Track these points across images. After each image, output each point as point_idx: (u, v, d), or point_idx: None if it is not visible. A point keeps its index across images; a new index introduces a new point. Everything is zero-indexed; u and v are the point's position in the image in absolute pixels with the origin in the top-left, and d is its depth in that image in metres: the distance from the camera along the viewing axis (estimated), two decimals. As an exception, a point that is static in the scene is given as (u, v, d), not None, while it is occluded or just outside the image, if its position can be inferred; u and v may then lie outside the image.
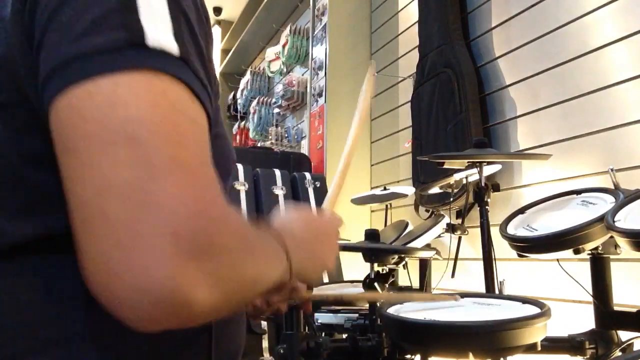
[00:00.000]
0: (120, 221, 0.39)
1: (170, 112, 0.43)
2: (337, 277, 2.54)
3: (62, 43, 0.44)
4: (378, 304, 1.24)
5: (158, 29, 0.45)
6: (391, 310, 1.02)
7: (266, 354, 2.20)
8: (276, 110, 4.11)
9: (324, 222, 0.69)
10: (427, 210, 2.35)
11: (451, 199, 1.97)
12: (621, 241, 1.00)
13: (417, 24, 2.56)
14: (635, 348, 1.17)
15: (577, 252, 1.13)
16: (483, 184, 1.48)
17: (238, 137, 4.85)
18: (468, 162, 1.52)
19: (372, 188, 2.96)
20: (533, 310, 0.95)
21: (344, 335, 1.38)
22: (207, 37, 0.53)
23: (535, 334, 0.89)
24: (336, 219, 0.73)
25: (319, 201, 2.68)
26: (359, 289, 1.70)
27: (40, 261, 0.50)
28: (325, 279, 2.53)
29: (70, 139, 0.42)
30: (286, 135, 3.91)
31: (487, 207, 1.49)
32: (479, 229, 1.49)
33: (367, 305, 1.40)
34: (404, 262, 1.44)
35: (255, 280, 0.50)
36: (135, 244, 0.38)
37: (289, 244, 0.57)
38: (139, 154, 0.40)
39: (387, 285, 1.36)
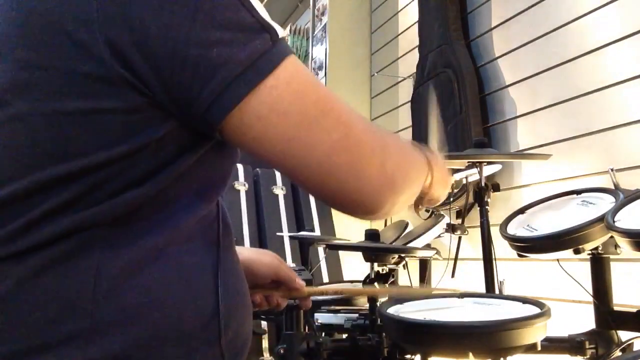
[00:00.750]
0: (349, 162, 0.57)
1: (317, 84, 0.58)
2: (337, 277, 2.54)
3: (228, 56, 0.51)
4: (378, 304, 1.24)
5: (268, 19, 0.55)
6: (391, 310, 1.01)
7: (266, 354, 2.20)
8: (276, 110, 4.10)
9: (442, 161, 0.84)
10: (427, 210, 2.35)
11: (451, 199, 1.97)
12: (621, 241, 1.00)
13: (417, 24, 2.56)
14: (635, 348, 1.17)
15: (577, 252, 1.13)
16: (483, 184, 1.48)
17: (238, 137, 4.85)
18: (468, 162, 1.52)
19: (372, 188, 2.95)
20: (533, 310, 0.95)
21: (344, 335, 1.38)
22: None
23: (535, 334, 0.89)
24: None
25: (319, 201, 2.68)
26: (357, 287, 1.70)
27: (51, 262, 0.51)
28: (326, 279, 2.54)
29: (288, 132, 0.54)
30: (286, 135, 3.90)
31: (487, 207, 1.49)
32: (479, 229, 1.49)
33: (367, 305, 1.40)
34: (404, 262, 1.44)
35: (417, 176, 0.69)
36: (370, 185, 0.59)
37: (430, 159, 0.74)
38: (332, 119, 0.57)
39: (387, 285, 1.36)
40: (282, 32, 0.56)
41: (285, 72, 0.54)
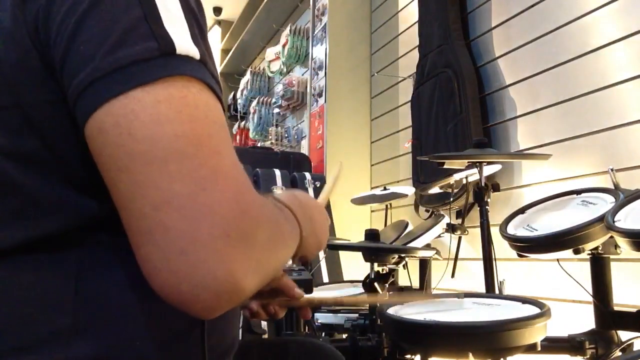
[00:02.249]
0: (180, 231, 0.44)
1: (206, 123, 0.47)
2: (337, 277, 2.54)
3: (96, 56, 0.45)
4: (378, 305, 1.24)
5: (180, 35, 0.47)
6: (391, 311, 1.02)
7: (266, 354, 2.19)
8: (276, 110, 4.11)
9: (316, 203, 0.73)
10: (427, 210, 2.35)
11: (451, 199, 1.97)
12: (621, 241, 1.00)
13: (417, 24, 2.56)
14: (635, 348, 1.17)
15: (577, 252, 1.13)
16: (483, 184, 1.49)
17: (238, 137, 4.85)
18: (468, 162, 1.52)
19: (372, 188, 2.96)
20: (533, 310, 0.95)
21: (344, 335, 1.38)
22: (206, 32, 0.55)
23: (535, 334, 0.89)
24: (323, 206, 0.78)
25: (319, 201, 2.68)
26: (359, 289, 1.70)
27: (32, 261, 0.51)
28: (326, 279, 2.54)
29: (121, 158, 0.45)
30: (286, 135, 3.91)
31: (487, 207, 1.49)
32: (479, 229, 1.49)
33: (367, 305, 1.40)
34: (404, 262, 1.44)
35: (281, 262, 0.58)
36: (197, 249, 0.44)
37: (300, 218, 0.62)
38: (188, 168, 0.45)
39: (387, 285, 1.36)
40: (192, 52, 0.48)
41: (160, 90, 0.45)
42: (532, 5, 1.99)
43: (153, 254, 0.45)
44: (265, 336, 2.20)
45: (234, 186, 0.47)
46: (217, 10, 5.46)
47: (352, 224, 2.79)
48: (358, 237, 1.60)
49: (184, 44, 0.47)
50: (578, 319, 1.45)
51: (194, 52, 0.48)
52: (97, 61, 0.45)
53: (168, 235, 0.44)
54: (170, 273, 0.44)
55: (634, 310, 1.16)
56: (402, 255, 1.40)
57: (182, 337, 0.56)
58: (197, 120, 0.46)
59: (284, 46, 3.76)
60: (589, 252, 1.19)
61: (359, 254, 1.35)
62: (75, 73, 0.46)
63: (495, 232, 1.37)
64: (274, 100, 4.09)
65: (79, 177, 0.51)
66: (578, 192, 1.31)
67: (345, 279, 2.52)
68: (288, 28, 3.73)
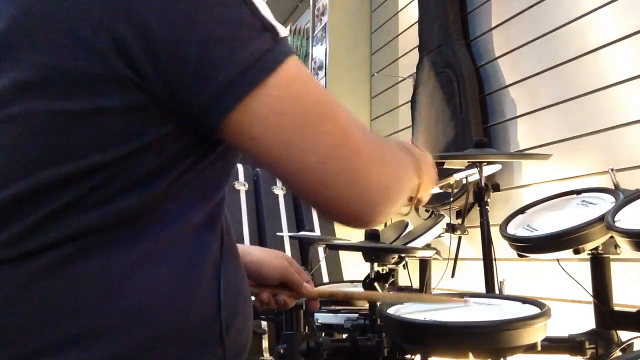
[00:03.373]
0: (344, 170, 0.55)
1: (315, 86, 0.56)
2: (337, 277, 2.54)
3: (229, 55, 0.50)
4: (378, 304, 1.24)
5: (272, 18, 0.54)
6: (391, 311, 1.01)
7: (266, 354, 2.20)
8: (276, 110, 4.10)
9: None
10: (427, 210, 2.35)
11: (451, 199, 1.96)
12: (621, 241, 1.00)
13: (417, 24, 2.56)
14: (635, 348, 1.17)
15: (577, 252, 1.13)
16: (483, 184, 1.48)
17: (238, 137, 4.85)
18: (468, 162, 1.52)
19: (372, 188, 2.95)
20: (533, 310, 0.95)
21: (344, 335, 1.38)
22: None
23: (535, 334, 0.89)
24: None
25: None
26: (359, 289, 1.70)
27: (56, 263, 0.51)
28: (326, 279, 2.54)
29: (285, 134, 0.53)
30: (286, 135, 3.90)
31: (487, 207, 1.49)
32: (479, 229, 1.49)
33: (367, 305, 1.40)
34: (404, 262, 1.44)
35: (407, 181, 0.69)
36: (365, 195, 0.57)
37: (420, 161, 0.73)
38: (331, 124, 0.55)
39: (387, 285, 1.36)
40: (284, 32, 0.54)
41: (286, 72, 0.52)
42: (532, 5, 1.98)
43: (331, 193, 0.55)
44: (265, 336, 2.20)
45: (359, 126, 0.59)
46: (217, 10, 5.46)
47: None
48: (358, 237, 1.60)
49: (278, 27, 0.54)
50: (578, 319, 1.45)
51: (283, 31, 0.54)
52: (231, 62, 0.50)
53: (338, 176, 0.55)
54: (347, 205, 0.56)
55: (634, 310, 1.16)
56: (402, 255, 1.40)
57: (202, 336, 0.56)
58: (316, 87, 0.56)
59: (284, 46, 3.76)
60: (589, 252, 1.19)
61: (359, 254, 1.35)
62: (206, 75, 0.50)
63: (495, 232, 1.37)
64: (274, 100, 4.08)
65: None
66: (578, 192, 1.31)
67: (345, 279, 2.52)
68: (288, 28, 3.73)
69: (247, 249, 0.83)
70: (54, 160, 0.51)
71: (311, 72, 3.28)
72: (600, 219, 1.08)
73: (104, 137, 0.51)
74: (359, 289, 1.70)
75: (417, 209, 2.26)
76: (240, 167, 2.62)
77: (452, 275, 1.68)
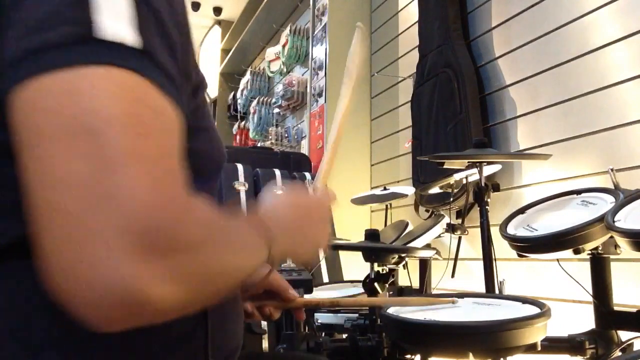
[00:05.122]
0: (72, 215, 0.38)
1: (130, 103, 0.42)
2: (337, 277, 2.54)
3: (18, 38, 0.43)
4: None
5: (114, 22, 0.44)
6: (391, 311, 1.02)
7: (266, 354, 2.20)
8: (276, 110, 4.11)
9: (313, 201, 0.67)
10: (427, 210, 2.35)
11: (451, 199, 1.97)
12: (621, 241, 1.00)
13: (417, 24, 2.56)
14: (635, 348, 1.17)
15: (577, 252, 1.13)
16: (483, 184, 1.48)
17: (238, 137, 4.85)
18: (468, 162, 1.52)
19: (372, 188, 2.96)
20: (533, 310, 0.95)
21: (344, 335, 1.38)
22: (182, 27, 0.51)
23: (535, 334, 0.89)
24: (327, 195, 0.71)
25: (319, 201, 2.68)
26: (359, 289, 1.70)
27: (12, 266, 0.48)
28: (326, 279, 2.54)
29: (25, 132, 0.41)
30: (286, 135, 3.91)
31: (487, 207, 1.49)
32: (479, 229, 1.49)
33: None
34: (404, 262, 1.44)
35: (227, 272, 0.49)
36: (86, 238, 0.37)
37: (271, 229, 0.55)
38: (94, 146, 0.39)
39: (387, 285, 1.36)
40: (117, 36, 0.43)
41: (73, 73, 0.41)
42: (532, 5, 1.99)
43: (42, 238, 0.39)
44: (265, 336, 2.20)
45: (152, 174, 0.40)
46: (217, 10, 5.47)
47: (352, 224, 2.78)
48: (358, 237, 1.60)
49: (116, 31, 0.43)
50: (578, 319, 1.45)
51: (130, 40, 0.43)
52: (16, 44, 0.43)
53: (58, 218, 0.38)
54: (56, 262, 0.38)
55: (634, 310, 1.16)
56: (402, 255, 1.40)
57: (186, 339, 0.55)
58: (117, 98, 0.41)
59: (284, 46, 3.76)
60: (589, 252, 1.19)
61: (359, 254, 1.35)
62: (1, 58, 0.44)
63: (495, 232, 1.37)
64: (274, 100, 4.09)
65: None
66: (578, 192, 1.31)
67: (345, 279, 2.51)
68: (288, 28, 3.73)
69: None
70: None
71: (311, 72, 3.28)
72: (600, 219, 1.08)
73: None
74: (359, 289, 1.71)
75: (431, 211, 2.26)
76: (240, 167, 2.62)
77: (452, 275, 1.68)
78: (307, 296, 1.06)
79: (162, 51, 0.47)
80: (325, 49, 3.12)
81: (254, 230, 0.54)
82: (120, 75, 0.42)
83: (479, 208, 1.50)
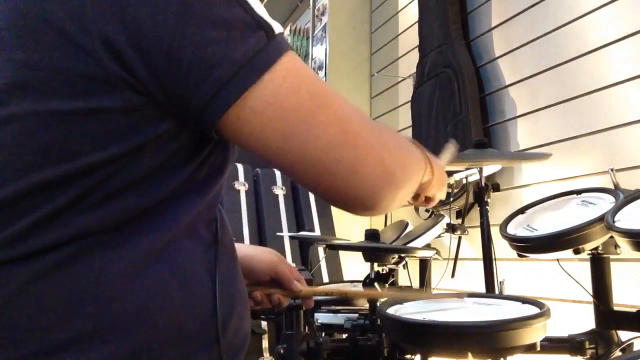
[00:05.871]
0: (349, 157, 0.56)
1: (315, 78, 0.57)
2: (337, 277, 2.54)
3: (224, 54, 0.51)
4: (378, 304, 1.24)
5: (265, 16, 0.55)
6: (391, 311, 1.02)
7: (266, 354, 2.20)
8: (276, 110, 4.10)
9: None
10: (427, 210, 2.35)
11: (451, 199, 1.97)
12: (621, 241, 1.00)
13: (417, 24, 2.56)
14: (635, 348, 1.17)
15: (577, 252, 1.13)
16: (483, 184, 1.48)
17: (238, 137, 4.84)
18: (468, 164, 1.52)
19: (372, 188, 2.95)
20: (533, 310, 0.95)
21: (344, 335, 1.38)
22: None
23: (535, 334, 0.89)
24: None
25: (319, 201, 2.68)
26: (359, 289, 1.70)
27: (55, 265, 0.51)
28: (326, 279, 2.54)
29: (283, 127, 0.53)
30: (286, 135, 3.90)
31: (487, 207, 1.49)
32: (479, 229, 1.49)
33: (367, 305, 1.40)
34: (404, 262, 1.44)
35: (416, 178, 0.69)
36: (362, 163, 0.57)
37: (429, 157, 0.74)
38: (329, 114, 0.56)
39: (387, 285, 1.36)
40: (278, 28, 0.55)
41: (281, 67, 0.53)
42: (532, 5, 1.98)
43: (335, 180, 0.56)
44: (265, 336, 2.20)
45: (358, 114, 0.59)
46: (217, 10, 5.46)
47: (352, 224, 2.78)
48: (358, 237, 1.60)
49: (272, 24, 0.55)
50: (578, 319, 1.45)
51: (278, 27, 0.55)
52: (225, 61, 0.51)
53: (341, 164, 0.55)
54: (352, 192, 0.57)
55: (634, 310, 1.16)
56: (402, 255, 1.40)
57: (198, 336, 0.56)
58: (312, 79, 0.56)
59: (284, 46, 3.76)
60: (589, 252, 1.19)
61: (359, 254, 1.35)
62: (202, 75, 0.50)
63: (495, 232, 1.37)
64: (274, 100, 4.09)
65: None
66: (578, 192, 1.31)
67: (345, 279, 2.52)
68: (288, 28, 3.73)
69: (236, 246, 0.83)
70: (50, 160, 0.51)
71: (310, 69, 3.28)
72: (600, 219, 1.08)
73: (100, 137, 0.51)
74: (358, 289, 1.70)
75: (431, 211, 2.27)
76: (240, 167, 2.62)
77: (452, 275, 1.68)
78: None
79: None
80: (325, 49, 3.12)
81: (423, 157, 0.72)
82: (292, 55, 0.55)
83: (479, 208, 1.50)
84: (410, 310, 1.03)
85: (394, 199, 0.61)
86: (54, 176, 0.51)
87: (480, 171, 1.49)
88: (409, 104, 2.56)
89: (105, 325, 0.51)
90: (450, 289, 1.90)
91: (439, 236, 1.83)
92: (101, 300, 0.51)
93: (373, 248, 1.34)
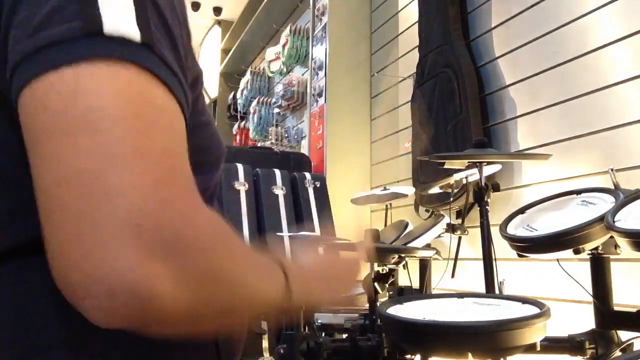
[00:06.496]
0: (79, 211, 0.38)
1: (134, 100, 0.42)
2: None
3: (22, 37, 0.43)
4: (378, 304, 1.24)
5: (118, 16, 0.44)
6: (391, 311, 1.02)
7: (266, 354, 2.20)
8: (276, 110, 4.10)
9: (343, 259, 0.69)
10: (427, 210, 2.35)
11: (451, 199, 1.97)
12: (621, 241, 1.00)
13: (417, 24, 2.56)
14: (635, 348, 1.17)
15: (577, 252, 1.13)
16: (483, 184, 1.48)
17: (238, 137, 4.85)
18: (468, 162, 1.52)
19: (372, 188, 2.96)
20: (533, 310, 0.95)
21: (344, 335, 1.38)
22: (182, 24, 0.52)
23: (534, 334, 0.89)
24: (361, 258, 0.74)
25: (319, 201, 2.68)
26: (359, 289, 1.70)
27: (26, 267, 0.49)
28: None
29: (33, 130, 0.41)
30: (286, 135, 3.91)
31: (487, 207, 1.49)
32: (479, 229, 1.49)
33: (367, 305, 1.40)
34: (404, 262, 1.44)
35: (238, 286, 0.48)
36: (93, 233, 0.38)
37: (291, 269, 0.56)
38: (99, 143, 0.40)
39: (387, 285, 1.36)
40: (122, 30, 0.44)
41: (80, 69, 0.41)
42: (532, 5, 1.98)
43: (49, 235, 0.40)
44: (265, 336, 2.20)
45: (157, 171, 0.41)
46: (217, 10, 5.46)
47: (352, 224, 2.78)
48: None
49: (120, 25, 0.43)
50: (578, 319, 1.44)
51: (133, 34, 0.43)
52: (22, 44, 0.43)
53: (65, 214, 0.39)
54: (63, 257, 0.39)
55: (634, 310, 1.16)
56: (402, 255, 1.40)
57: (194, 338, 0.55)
58: (122, 94, 0.42)
59: (284, 46, 3.76)
60: (589, 252, 1.19)
61: (359, 254, 1.35)
62: (7, 57, 0.44)
63: (495, 232, 1.37)
64: (274, 100, 4.09)
65: None
66: (578, 192, 1.31)
67: (345, 279, 2.51)
68: (288, 28, 3.73)
69: None
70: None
71: (311, 72, 3.28)
72: (600, 219, 1.08)
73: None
74: (359, 289, 1.70)
75: (431, 211, 2.26)
76: (240, 167, 2.62)
77: (452, 275, 1.68)
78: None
79: (164, 44, 0.47)
80: (325, 49, 3.12)
81: (274, 264, 0.54)
82: (124, 71, 0.42)
83: (479, 208, 1.50)
84: (410, 310, 1.03)
85: (138, 313, 0.40)
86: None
87: (480, 171, 1.49)
88: (409, 104, 2.56)
89: (85, 331, 0.47)
90: (450, 289, 1.90)
91: (439, 236, 1.83)
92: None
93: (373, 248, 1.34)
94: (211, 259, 0.44)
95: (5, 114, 0.46)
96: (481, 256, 1.47)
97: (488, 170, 1.61)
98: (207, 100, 5.15)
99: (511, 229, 1.28)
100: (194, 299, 0.42)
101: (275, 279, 0.53)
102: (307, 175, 2.74)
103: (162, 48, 0.46)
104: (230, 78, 5.40)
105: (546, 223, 1.26)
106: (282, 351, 1.13)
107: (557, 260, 1.28)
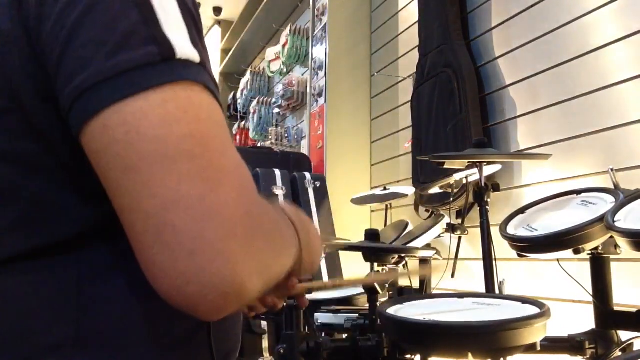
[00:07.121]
0: (189, 232, 0.43)
1: (211, 124, 0.46)
2: (337, 277, 2.54)
3: (95, 59, 0.44)
4: (378, 304, 1.24)
5: (180, 38, 0.47)
6: (391, 311, 1.01)
7: (266, 354, 2.20)
8: (276, 110, 4.11)
9: (313, 226, 0.72)
10: (427, 210, 2.35)
11: (451, 199, 1.97)
12: (621, 241, 1.00)
13: (417, 24, 2.56)
14: (635, 348, 1.17)
15: (577, 252, 1.13)
16: (483, 184, 1.48)
17: (238, 137, 4.85)
18: (468, 162, 1.52)
19: (372, 188, 2.96)
20: (533, 310, 0.95)
21: (344, 335, 1.38)
22: (203, 32, 0.53)
23: (534, 334, 0.89)
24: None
25: (319, 201, 2.68)
26: (359, 289, 1.70)
27: (32, 271, 0.50)
28: (326, 279, 2.54)
29: (129, 157, 0.44)
30: (286, 135, 3.91)
31: (487, 207, 1.49)
32: (479, 229, 1.49)
33: (367, 305, 1.40)
34: (404, 262, 1.44)
35: (284, 264, 0.56)
36: (205, 249, 0.43)
37: (301, 231, 0.61)
38: (197, 168, 0.44)
39: (386, 286, 1.36)
40: (190, 54, 0.47)
41: (164, 94, 0.44)
42: (532, 5, 1.99)
43: (160, 254, 0.43)
44: (265, 336, 2.20)
45: (239, 187, 0.47)
46: (217, 10, 5.46)
47: (352, 224, 2.78)
48: (358, 237, 1.60)
49: (184, 48, 0.47)
50: (578, 319, 1.45)
51: (194, 56, 0.47)
52: (99, 64, 0.44)
53: (177, 235, 0.43)
54: (178, 274, 0.43)
55: (634, 310, 1.16)
56: (402, 255, 1.40)
57: (188, 341, 0.55)
58: (203, 121, 0.46)
59: (284, 46, 3.76)
60: (589, 252, 1.19)
61: (359, 254, 1.35)
62: (71, 75, 0.45)
63: (495, 232, 1.37)
64: (274, 100, 4.09)
65: (79, 183, 0.50)
66: (578, 192, 1.31)
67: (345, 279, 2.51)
68: (288, 28, 3.73)
69: None
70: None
71: (311, 72, 3.28)
72: (600, 219, 1.08)
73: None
74: (359, 289, 1.70)
75: (431, 211, 2.27)
76: (240, 167, 2.62)
77: (452, 275, 1.68)
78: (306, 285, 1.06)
79: (207, 61, 0.50)
80: (325, 49, 3.12)
81: (292, 228, 0.61)
82: (197, 93, 0.46)
83: (479, 208, 1.50)
84: (410, 310, 1.03)
85: (237, 307, 0.48)
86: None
87: (480, 171, 1.49)
88: (409, 104, 2.56)
89: (86, 332, 0.49)
90: (450, 289, 1.90)
91: (439, 236, 1.83)
92: (82, 306, 0.50)
93: (373, 248, 1.34)
94: (274, 247, 0.53)
95: (11, 120, 0.48)
96: (481, 256, 1.47)
97: (488, 170, 1.61)
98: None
99: (511, 229, 1.28)
100: (263, 284, 0.50)
101: (294, 247, 0.60)
102: (307, 175, 2.74)
103: (208, 64, 0.50)
104: (230, 78, 5.41)
105: (546, 223, 1.26)
106: (282, 351, 1.12)
107: (557, 260, 1.28)
